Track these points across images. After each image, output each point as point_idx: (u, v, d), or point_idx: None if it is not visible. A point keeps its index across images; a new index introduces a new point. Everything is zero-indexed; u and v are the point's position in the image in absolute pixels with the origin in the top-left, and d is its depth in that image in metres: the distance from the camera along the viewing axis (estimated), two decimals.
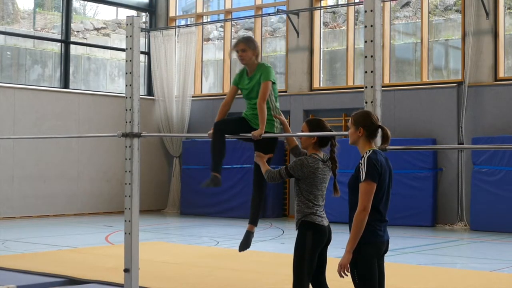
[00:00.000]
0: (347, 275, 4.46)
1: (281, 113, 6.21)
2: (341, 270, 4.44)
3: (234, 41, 19.59)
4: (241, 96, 6.52)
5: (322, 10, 18.10)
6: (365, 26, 4.79)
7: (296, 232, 5.38)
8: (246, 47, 6.30)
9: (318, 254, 5.32)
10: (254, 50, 6.32)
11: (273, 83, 6.22)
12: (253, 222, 6.46)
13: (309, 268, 5.23)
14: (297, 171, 5.29)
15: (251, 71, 6.32)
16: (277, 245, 12.38)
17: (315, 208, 5.30)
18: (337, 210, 16.23)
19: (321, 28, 17.93)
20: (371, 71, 4.76)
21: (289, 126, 6.50)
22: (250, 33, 20.96)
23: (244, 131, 6.19)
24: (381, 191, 4.49)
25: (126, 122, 6.34)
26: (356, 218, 4.41)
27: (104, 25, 21.26)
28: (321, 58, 17.81)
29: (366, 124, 4.56)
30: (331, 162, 5.39)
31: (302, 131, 5.46)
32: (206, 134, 6.30)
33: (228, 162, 16.49)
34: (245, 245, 6.42)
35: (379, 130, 4.59)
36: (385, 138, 4.57)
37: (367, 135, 4.57)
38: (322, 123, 5.46)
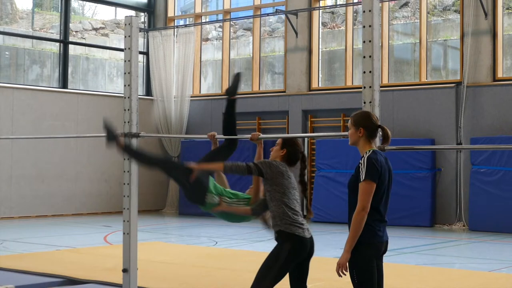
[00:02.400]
0: (345, 275, 4.46)
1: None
2: (339, 269, 4.43)
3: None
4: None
5: (320, 10, 18.11)
6: (364, 26, 4.79)
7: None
8: None
9: (299, 266, 5.16)
10: None
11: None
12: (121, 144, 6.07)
13: (273, 280, 5.08)
14: (265, 168, 5.13)
15: None
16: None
17: (293, 215, 5.11)
18: (336, 210, 16.30)
19: (320, 28, 17.93)
20: (370, 71, 4.75)
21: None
22: (248, 33, 20.97)
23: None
24: (381, 191, 4.49)
25: (125, 122, 6.34)
26: (355, 218, 4.41)
27: (102, 25, 21.25)
28: (320, 58, 17.82)
29: (366, 124, 4.56)
30: (300, 185, 5.28)
31: (275, 147, 5.37)
32: (205, 136, 6.28)
33: None
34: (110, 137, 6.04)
35: (379, 130, 4.59)
36: (385, 138, 4.57)
37: (367, 136, 4.57)
38: (296, 146, 5.36)
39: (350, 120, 4.64)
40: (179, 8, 21.31)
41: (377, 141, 4.64)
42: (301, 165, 5.34)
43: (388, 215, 4.61)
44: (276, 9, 18.51)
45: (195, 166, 5.39)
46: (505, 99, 14.89)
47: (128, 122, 6.32)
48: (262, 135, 5.91)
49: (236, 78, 6.14)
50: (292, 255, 5.08)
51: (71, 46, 18.76)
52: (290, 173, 5.22)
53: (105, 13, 22.05)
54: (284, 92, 17.92)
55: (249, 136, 5.93)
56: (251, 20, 19.44)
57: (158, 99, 19.60)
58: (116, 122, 20.11)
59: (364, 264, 4.46)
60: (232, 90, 6.06)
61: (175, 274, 8.74)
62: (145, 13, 20.51)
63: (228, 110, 6.07)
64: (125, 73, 6.34)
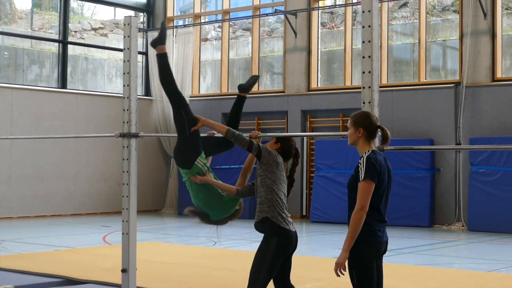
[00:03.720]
0: (343, 274, 4.46)
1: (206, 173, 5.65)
2: (337, 268, 4.43)
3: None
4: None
5: (320, 11, 18.11)
6: (363, 27, 4.79)
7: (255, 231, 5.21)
8: None
9: (283, 261, 5.16)
10: None
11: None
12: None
13: (267, 276, 5.08)
14: (264, 152, 5.18)
15: None
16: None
17: (282, 205, 5.13)
18: (334, 210, 16.29)
19: (319, 29, 17.93)
20: (369, 72, 4.75)
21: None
22: (247, 33, 20.96)
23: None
24: (380, 191, 4.49)
25: (124, 122, 6.33)
26: (354, 217, 4.41)
27: (101, 25, 21.24)
28: (319, 58, 17.82)
29: (366, 124, 4.56)
30: (288, 180, 5.30)
31: (270, 141, 5.40)
32: (204, 135, 6.27)
33: (226, 163, 16.51)
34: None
35: (379, 130, 4.60)
36: (385, 138, 4.57)
37: (367, 136, 4.57)
38: (290, 141, 5.40)
39: (349, 120, 4.64)
40: (178, 8, 21.30)
41: (377, 142, 4.64)
42: (293, 160, 5.37)
43: (387, 215, 4.62)
44: (275, 9, 18.50)
45: (201, 118, 5.46)
46: (504, 99, 14.89)
47: (127, 122, 6.32)
48: (261, 134, 5.92)
49: (254, 79, 6.25)
50: (280, 250, 5.08)
51: (70, 46, 18.75)
52: (283, 167, 5.26)
53: (104, 13, 22.05)
54: (283, 92, 17.91)
55: (248, 135, 5.94)
56: (250, 20, 19.44)
57: (157, 99, 19.60)
58: (115, 122, 20.00)
59: (364, 264, 4.46)
60: (245, 87, 6.16)
61: (174, 274, 8.74)
62: (144, 13, 20.51)
63: (236, 105, 6.17)
64: (124, 73, 6.34)
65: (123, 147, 6.36)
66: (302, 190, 17.34)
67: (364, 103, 4.77)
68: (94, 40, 20.75)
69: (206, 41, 21.66)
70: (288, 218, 5.16)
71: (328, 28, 20.14)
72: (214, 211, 5.68)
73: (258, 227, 5.22)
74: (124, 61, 6.33)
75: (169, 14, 20.31)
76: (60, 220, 16.85)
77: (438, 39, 17.31)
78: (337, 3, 20.08)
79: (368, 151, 4.52)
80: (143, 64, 20.06)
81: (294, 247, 5.20)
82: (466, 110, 15.25)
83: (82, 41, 20.25)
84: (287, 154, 5.35)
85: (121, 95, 6.43)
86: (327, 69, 18.42)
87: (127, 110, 6.32)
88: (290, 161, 5.44)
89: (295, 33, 17.71)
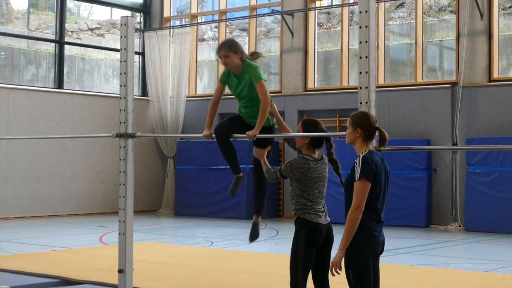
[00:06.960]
0: (339, 273, 4.47)
1: (275, 106, 6.32)
2: (333, 268, 4.45)
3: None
4: (232, 96, 6.51)
5: (316, 11, 18.12)
6: (360, 27, 4.79)
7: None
8: (228, 52, 6.21)
9: (317, 254, 5.27)
10: (236, 54, 6.20)
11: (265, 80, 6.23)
12: (258, 213, 6.51)
13: (304, 267, 5.21)
14: (288, 173, 5.37)
15: (238, 72, 6.28)
16: (271, 245, 12.38)
17: (309, 206, 5.29)
18: (332, 210, 16.28)
19: (316, 29, 17.93)
20: (366, 72, 4.76)
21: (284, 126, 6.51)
22: (244, 34, 20.97)
23: (242, 129, 6.22)
24: (377, 191, 4.50)
25: (121, 122, 6.33)
26: (350, 217, 4.42)
27: (98, 26, 21.22)
28: (316, 58, 17.82)
29: (364, 125, 4.57)
30: (331, 164, 5.43)
31: (298, 131, 5.48)
32: (200, 135, 6.28)
33: (223, 163, 16.48)
34: (254, 235, 6.42)
35: (377, 131, 4.60)
36: (382, 140, 4.59)
37: (364, 136, 4.58)
38: (316, 124, 5.48)
39: (348, 120, 4.65)
40: (175, 8, 21.29)
41: (374, 143, 4.65)
42: (327, 145, 5.46)
43: (384, 216, 4.62)
44: (272, 10, 18.50)
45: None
46: (500, 100, 14.91)
47: (124, 122, 6.32)
48: (258, 134, 5.96)
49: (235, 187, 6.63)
50: (309, 240, 5.22)
51: (66, 46, 18.73)
52: (315, 165, 5.35)
53: (101, 13, 22.04)
54: (280, 92, 17.91)
55: (244, 136, 5.97)
56: (247, 20, 19.44)
57: (153, 99, 19.59)
58: (112, 122, 19.95)
59: (361, 264, 4.47)
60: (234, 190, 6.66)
61: (171, 274, 8.74)
62: (141, 13, 20.49)
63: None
64: (121, 74, 6.34)
65: (120, 147, 6.36)
66: None
67: (361, 103, 4.77)
68: (91, 40, 20.73)
69: (203, 41, 21.66)
70: (319, 212, 5.31)
71: (325, 29, 20.16)
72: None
73: (294, 224, 5.41)
74: (121, 62, 6.33)
75: (166, 14, 20.30)
76: (57, 220, 16.83)
77: (435, 40, 17.32)
78: (333, 4, 20.09)
79: (365, 151, 4.54)
80: (140, 64, 20.06)
81: (325, 238, 5.30)
82: (462, 111, 15.27)
83: (78, 41, 20.23)
84: (319, 142, 5.44)
85: (118, 95, 6.44)
86: (324, 70, 18.42)
87: (124, 110, 6.32)
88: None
89: (292, 34, 17.72)
